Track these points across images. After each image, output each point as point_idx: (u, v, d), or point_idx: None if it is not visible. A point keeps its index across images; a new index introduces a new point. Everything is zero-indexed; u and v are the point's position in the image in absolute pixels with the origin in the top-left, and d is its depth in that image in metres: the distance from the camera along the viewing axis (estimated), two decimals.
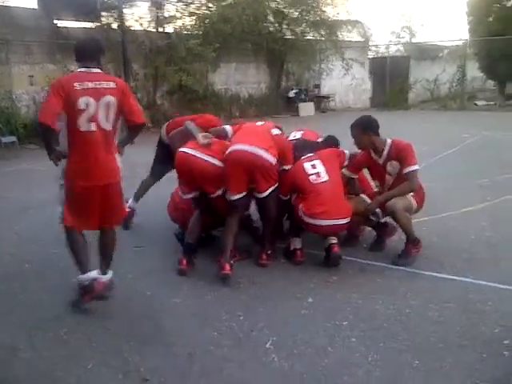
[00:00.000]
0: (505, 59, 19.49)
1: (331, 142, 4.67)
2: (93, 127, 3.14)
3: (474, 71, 22.45)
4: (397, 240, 4.42)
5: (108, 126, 3.22)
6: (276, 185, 4.02)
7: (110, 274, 3.44)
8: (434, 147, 9.56)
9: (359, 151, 4.37)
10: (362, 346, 2.90)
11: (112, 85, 3.20)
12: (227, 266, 3.73)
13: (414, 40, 31.32)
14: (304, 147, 4.44)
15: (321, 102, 20.83)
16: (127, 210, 5.09)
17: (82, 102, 3.09)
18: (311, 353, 2.86)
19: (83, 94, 3.10)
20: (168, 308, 3.44)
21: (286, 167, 4.21)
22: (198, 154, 3.97)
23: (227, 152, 3.90)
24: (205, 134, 4.17)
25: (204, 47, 14.42)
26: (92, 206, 3.31)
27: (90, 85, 3.13)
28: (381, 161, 4.19)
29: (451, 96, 20.30)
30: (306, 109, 19.11)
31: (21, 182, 7.84)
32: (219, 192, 4.00)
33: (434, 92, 21.28)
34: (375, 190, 4.51)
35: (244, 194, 3.95)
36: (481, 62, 22.14)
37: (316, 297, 3.53)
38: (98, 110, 3.14)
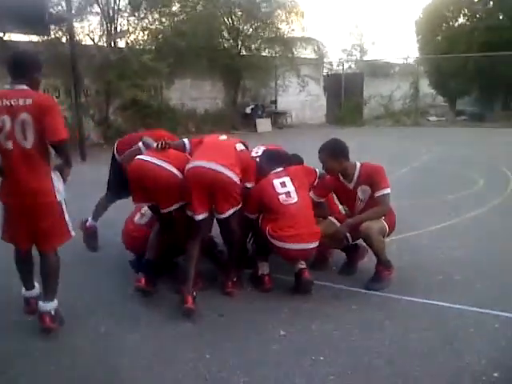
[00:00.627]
0: (454, 77, 20.12)
1: (296, 161, 4.43)
2: (10, 145, 3.04)
3: (424, 87, 23.05)
4: (367, 261, 4.22)
5: (27, 145, 3.06)
6: (239, 206, 3.71)
7: (52, 304, 3.22)
8: (392, 164, 9.47)
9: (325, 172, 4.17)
10: None
11: (29, 102, 3.03)
12: (189, 299, 3.39)
13: (365, 57, 32.05)
14: (273, 159, 4.13)
15: (278, 118, 20.79)
16: (87, 227, 4.74)
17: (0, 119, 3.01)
18: None
19: (1, 111, 3.01)
20: (125, 347, 3.07)
21: (249, 185, 3.92)
22: (155, 161, 3.62)
23: (186, 168, 3.57)
24: (161, 140, 3.81)
25: (157, 62, 14.07)
26: (18, 224, 3.19)
27: (7, 102, 3.01)
28: (351, 186, 3.98)
29: (405, 112, 20.70)
30: (264, 125, 19.00)
31: None
32: (173, 207, 3.66)
33: (389, 108, 21.62)
34: (343, 212, 4.29)
35: (205, 214, 3.63)
36: (431, 79, 22.82)
37: (288, 328, 3.24)
38: (14, 127, 3.02)
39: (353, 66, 29.75)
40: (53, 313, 3.21)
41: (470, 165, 9.42)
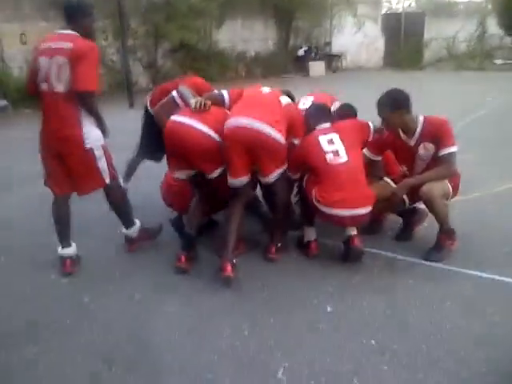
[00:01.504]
0: None
1: (347, 112, 3.97)
2: (45, 87, 3.12)
3: (491, 28, 21.27)
4: (426, 227, 3.83)
5: (60, 88, 3.09)
6: (284, 167, 3.36)
7: (134, 228, 3.64)
8: (456, 113, 8.78)
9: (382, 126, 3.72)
10: (397, 379, 2.33)
11: (68, 46, 3.06)
12: (228, 267, 3.12)
13: None
14: (319, 114, 3.67)
15: (332, 60, 19.83)
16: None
17: (39, 61, 3.12)
18: None
19: (41, 53, 3.13)
20: (158, 320, 2.86)
21: (296, 141, 3.54)
22: (193, 123, 3.25)
23: (225, 126, 3.20)
24: (199, 98, 3.40)
25: (207, 2, 13.47)
26: (52, 169, 3.30)
27: (48, 45, 3.12)
28: (412, 142, 3.50)
29: (469, 54, 19.22)
30: (317, 68, 18.19)
31: (7, 153, 7.21)
32: (218, 171, 3.34)
33: (452, 50, 20.13)
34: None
35: (246, 177, 3.30)
36: (500, 18, 20.95)
37: (336, 305, 2.94)
38: (50, 70, 3.08)
39: (413, 4, 27.75)
40: (134, 236, 3.67)
41: None
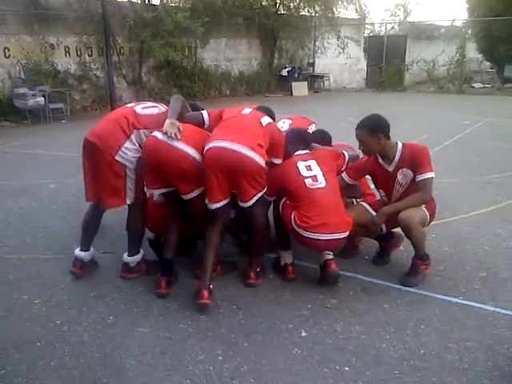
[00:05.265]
0: (505, 41, 18.91)
1: (323, 137, 4.03)
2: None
3: (470, 52, 21.79)
4: (402, 250, 3.87)
5: None
6: (264, 190, 3.33)
7: (135, 257, 3.56)
8: (434, 135, 9.00)
9: (356, 154, 3.77)
10: None
11: None
12: (205, 293, 3.08)
13: (408, 18, 30.51)
14: (297, 140, 3.70)
15: (315, 81, 20.12)
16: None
17: None
18: None
19: None
20: (132, 341, 2.82)
21: (277, 161, 3.53)
22: (173, 142, 3.14)
23: (205, 149, 3.14)
24: (172, 121, 3.24)
25: (192, 21, 13.58)
26: (86, 173, 3.39)
27: None
28: (391, 168, 3.55)
29: (449, 78, 19.62)
30: (300, 88, 18.40)
31: None
32: (195, 193, 3.27)
33: (432, 73, 20.52)
34: (378, 197, 3.88)
35: (225, 201, 3.26)
36: (479, 43, 21.52)
37: (311, 329, 2.94)
38: None
39: (396, 27, 28.36)
40: (132, 265, 3.58)
41: None
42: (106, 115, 3.56)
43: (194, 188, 3.26)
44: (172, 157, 3.14)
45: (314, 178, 3.38)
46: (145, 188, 3.42)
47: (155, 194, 3.51)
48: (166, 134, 3.14)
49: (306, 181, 3.37)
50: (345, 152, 3.71)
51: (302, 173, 3.42)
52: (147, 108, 3.45)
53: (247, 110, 3.55)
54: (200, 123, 3.51)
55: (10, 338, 2.85)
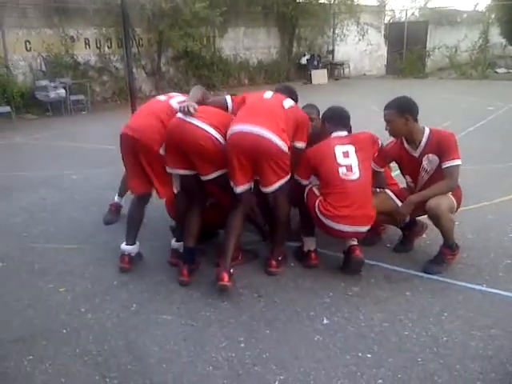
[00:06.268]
0: None
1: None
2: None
3: (493, 37, 21.32)
4: (425, 238, 3.83)
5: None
6: (287, 177, 3.31)
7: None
8: (457, 122, 8.85)
9: (387, 141, 3.72)
10: None
11: None
12: (225, 276, 3.10)
13: (430, 4, 29.93)
14: (337, 119, 3.61)
15: (334, 69, 19.94)
16: (112, 203, 4.59)
17: None
18: None
19: None
20: (155, 329, 2.86)
21: (299, 144, 3.48)
22: (197, 122, 3.17)
23: (228, 133, 3.17)
24: (190, 103, 3.26)
25: (211, 10, 13.55)
26: (129, 165, 3.48)
27: None
28: (416, 153, 3.50)
29: (472, 64, 19.25)
30: (319, 76, 18.26)
31: (10, 158, 7.25)
32: (214, 175, 3.29)
33: (454, 59, 20.17)
34: (403, 185, 3.83)
35: (248, 185, 3.28)
36: (503, 27, 21.05)
37: (333, 316, 2.94)
38: None
39: (416, 13, 27.85)
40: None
41: None
42: (140, 109, 3.64)
43: (213, 169, 3.27)
44: (193, 134, 3.16)
45: (349, 167, 3.32)
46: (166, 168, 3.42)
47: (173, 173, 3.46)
48: (180, 110, 3.23)
49: (340, 169, 3.32)
50: (379, 139, 3.64)
51: (338, 160, 3.35)
52: (181, 103, 3.44)
53: (269, 94, 3.52)
54: (224, 107, 3.53)
55: (36, 326, 2.91)
